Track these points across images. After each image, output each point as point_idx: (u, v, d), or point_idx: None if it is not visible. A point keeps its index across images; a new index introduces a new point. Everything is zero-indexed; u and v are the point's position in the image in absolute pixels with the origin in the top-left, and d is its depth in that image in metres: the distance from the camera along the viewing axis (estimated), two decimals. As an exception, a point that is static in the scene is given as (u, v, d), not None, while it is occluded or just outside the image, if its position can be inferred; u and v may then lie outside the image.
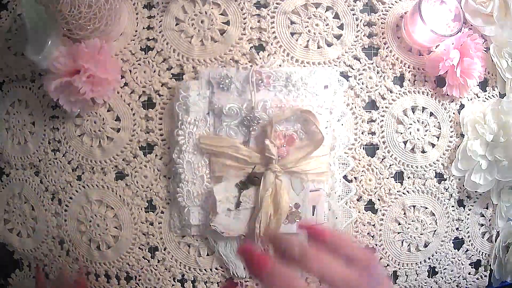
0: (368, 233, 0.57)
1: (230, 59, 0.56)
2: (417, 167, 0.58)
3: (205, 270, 0.57)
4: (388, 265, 0.58)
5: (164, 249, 0.57)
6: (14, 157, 0.59)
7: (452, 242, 0.60)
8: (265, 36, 0.57)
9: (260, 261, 0.30)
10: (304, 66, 0.57)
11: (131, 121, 0.57)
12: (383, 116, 0.58)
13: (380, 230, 0.58)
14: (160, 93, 0.56)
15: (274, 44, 0.57)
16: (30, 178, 0.59)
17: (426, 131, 0.58)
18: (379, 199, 0.57)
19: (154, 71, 0.57)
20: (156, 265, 0.57)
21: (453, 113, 0.59)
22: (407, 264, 0.59)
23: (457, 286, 0.61)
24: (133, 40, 0.57)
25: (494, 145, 0.57)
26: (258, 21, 0.57)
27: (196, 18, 0.57)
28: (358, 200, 0.57)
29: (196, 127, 0.54)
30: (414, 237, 0.58)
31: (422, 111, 0.58)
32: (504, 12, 0.58)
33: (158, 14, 0.57)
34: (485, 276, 0.62)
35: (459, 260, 0.60)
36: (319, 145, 0.52)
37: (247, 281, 0.56)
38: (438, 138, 0.58)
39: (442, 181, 0.59)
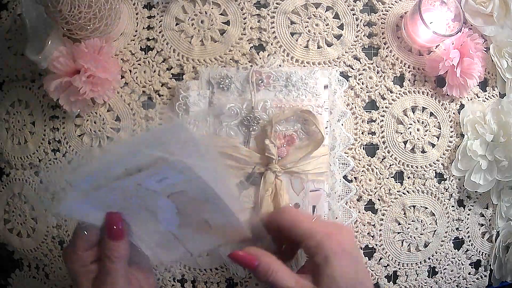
0: (368, 233, 0.57)
1: (230, 59, 0.56)
2: (417, 167, 0.58)
3: (205, 270, 0.57)
4: (388, 265, 0.58)
5: (164, 249, 0.57)
6: (14, 157, 0.59)
7: (452, 242, 0.60)
8: (265, 36, 0.57)
9: (248, 261, 0.37)
10: (304, 66, 0.57)
11: (131, 121, 0.57)
12: (383, 116, 0.58)
13: (380, 230, 0.58)
14: (160, 93, 0.56)
15: (274, 44, 0.57)
16: (30, 178, 0.59)
17: (426, 131, 0.58)
18: (379, 199, 0.57)
19: (154, 71, 0.57)
20: (156, 265, 0.57)
21: (453, 113, 0.59)
22: (407, 264, 0.59)
23: (457, 286, 0.61)
24: (133, 40, 0.57)
25: (494, 145, 0.57)
26: (258, 21, 0.57)
27: (196, 18, 0.57)
28: (358, 200, 0.57)
29: (196, 127, 0.54)
30: (414, 237, 0.58)
31: (422, 111, 0.58)
32: (504, 12, 0.58)
33: (158, 14, 0.57)
34: (485, 276, 0.62)
35: (459, 260, 0.60)
36: (319, 145, 0.52)
37: (247, 281, 0.56)
38: (438, 138, 0.58)
39: (442, 181, 0.59)
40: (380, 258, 0.58)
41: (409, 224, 0.58)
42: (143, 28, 0.57)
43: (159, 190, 0.34)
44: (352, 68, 0.57)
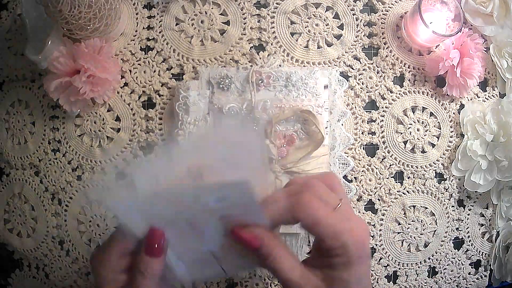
0: (368, 233, 0.57)
1: (230, 59, 0.56)
2: (417, 167, 0.58)
3: (205, 270, 0.57)
4: (388, 265, 0.58)
5: (164, 249, 0.57)
6: (14, 157, 0.59)
7: (452, 242, 0.60)
8: (265, 36, 0.57)
9: (249, 241, 0.33)
10: (304, 66, 0.57)
11: (131, 121, 0.57)
12: (383, 116, 0.58)
13: (380, 230, 0.58)
14: (160, 93, 0.56)
15: (274, 44, 0.57)
16: (30, 178, 0.59)
17: (426, 131, 0.58)
18: (379, 199, 0.57)
19: (154, 71, 0.57)
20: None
21: (453, 113, 0.59)
22: (407, 264, 0.59)
23: (457, 286, 0.61)
24: (133, 40, 0.57)
25: (494, 145, 0.57)
26: (258, 21, 0.57)
27: (196, 18, 0.57)
28: (358, 200, 0.57)
29: (196, 127, 0.54)
30: (414, 237, 0.58)
31: (422, 111, 0.58)
32: (504, 12, 0.58)
33: (158, 14, 0.57)
34: (485, 276, 0.62)
35: (459, 260, 0.60)
36: (319, 145, 0.52)
37: (247, 281, 0.56)
38: (438, 138, 0.58)
39: (442, 181, 0.59)
40: (380, 258, 0.58)
41: (409, 224, 0.58)
42: (143, 28, 0.57)
43: (215, 209, 0.33)
44: (352, 68, 0.57)
